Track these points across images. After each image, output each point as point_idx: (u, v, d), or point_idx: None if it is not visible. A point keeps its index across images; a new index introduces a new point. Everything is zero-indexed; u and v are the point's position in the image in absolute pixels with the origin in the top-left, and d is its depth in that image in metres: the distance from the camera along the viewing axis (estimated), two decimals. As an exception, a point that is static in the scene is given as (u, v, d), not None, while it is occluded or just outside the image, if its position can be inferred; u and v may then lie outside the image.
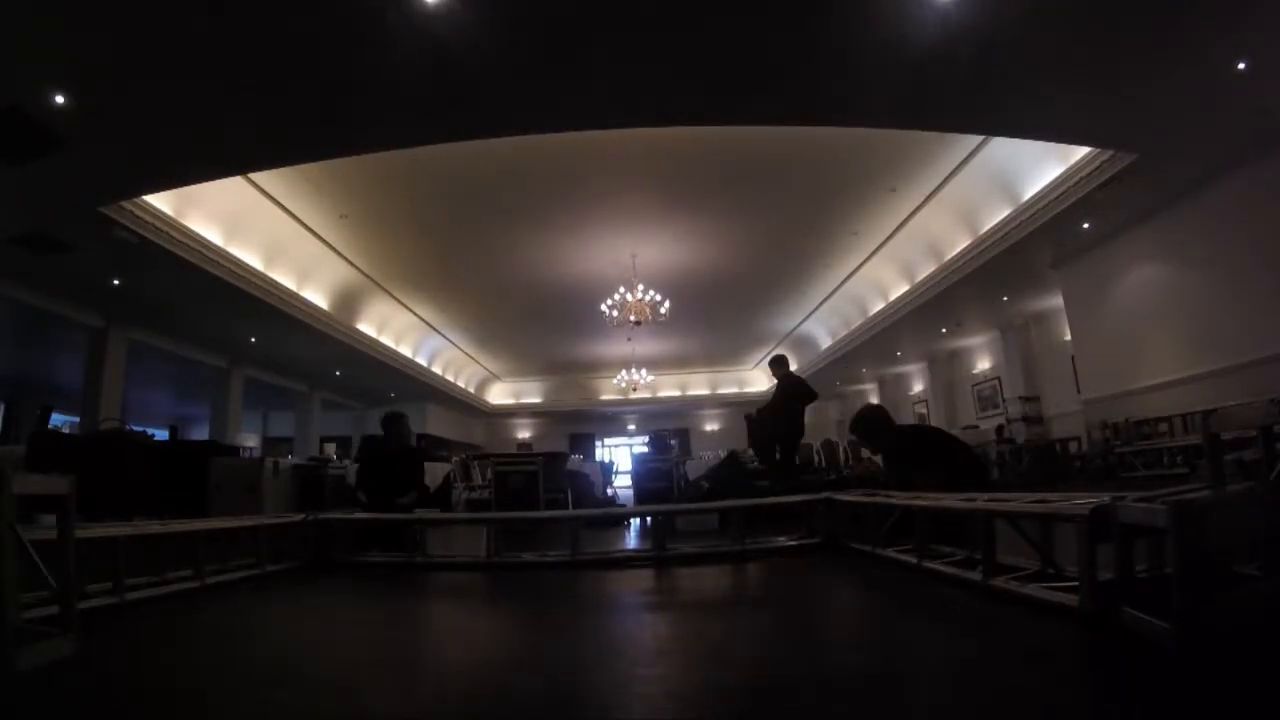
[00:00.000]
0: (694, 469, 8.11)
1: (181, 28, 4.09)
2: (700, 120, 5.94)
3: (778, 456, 6.13)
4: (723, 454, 8.48)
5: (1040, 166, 7.31)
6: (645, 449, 15.86)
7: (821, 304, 13.70)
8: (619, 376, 17.07)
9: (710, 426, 22.77)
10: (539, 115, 5.51)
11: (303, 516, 3.99)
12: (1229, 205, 6.61)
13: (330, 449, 14.93)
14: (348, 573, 3.70)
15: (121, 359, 9.57)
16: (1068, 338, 10.30)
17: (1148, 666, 1.43)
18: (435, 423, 18.37)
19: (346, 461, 8.64)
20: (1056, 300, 10.15)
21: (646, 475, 7.38)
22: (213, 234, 7.69)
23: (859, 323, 13.28)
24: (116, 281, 7.95)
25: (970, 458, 3.78)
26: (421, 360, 15.22)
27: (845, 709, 1.32)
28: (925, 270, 10.39)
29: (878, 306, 12.34)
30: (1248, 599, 1.59)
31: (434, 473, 8.61)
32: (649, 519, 4.97)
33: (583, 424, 22.75)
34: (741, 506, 3.97)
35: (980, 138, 7.24)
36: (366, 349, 12.41)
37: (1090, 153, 6.57)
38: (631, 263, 10.67)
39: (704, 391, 21.70)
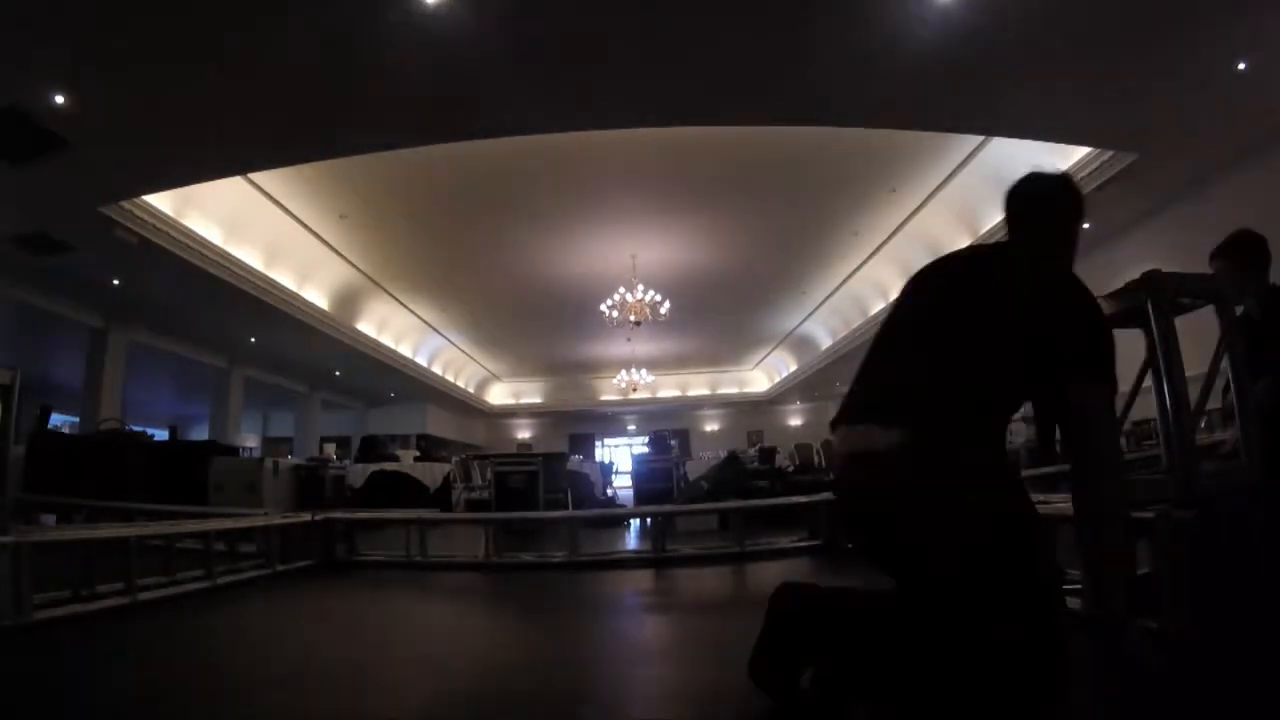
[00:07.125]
0: (694, 469, 8.12)
1: (182, 27, 4.09)
2: (700, 120, 5.93)
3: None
4: (723, 454, 8.48)
5: (1040, 167, 7.27)
6: (645, 449, 15.84)
7: (822, 304, 13.69)
8: (619, 377, 17.03)
9: (710, 427, 22.75)
10: (539, 115, 5.50)
11: (310, 516, 3.98)
12: (1229, 205, 6.59)
13: (330, 449, 14.87)
14: (355, 572, 3.70)
15: (121, 359, 9.56)
16: (1068, 338, 10.22)
17: (1155, 672, 1.43)
18: (435, 423, 18.35)
19: (347, 461, 8.65)
20: (1057, 301, 10.11)
21: (646, 475, 7.38)
22: (213, 234, 7.68)
23: (859, 323, 13.26)
24: (116, 281, 7.95)
25: None
26: (421, 360, 15.21)
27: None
28: (925, 271, 10.37)
29: (878, 307, 12.32)
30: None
31: (433, 473, 8.62)
32: (649, 519, 4.97)
33: (583, 424, 22.73)
34: (741, 508, 3.97)
35: (980, 138, 7.23)
36: (366, 349, 12.41)
37: (1090, 153, 6.56)
38: (631, 263, 10.66)
39: (704, 392, 21.68)
